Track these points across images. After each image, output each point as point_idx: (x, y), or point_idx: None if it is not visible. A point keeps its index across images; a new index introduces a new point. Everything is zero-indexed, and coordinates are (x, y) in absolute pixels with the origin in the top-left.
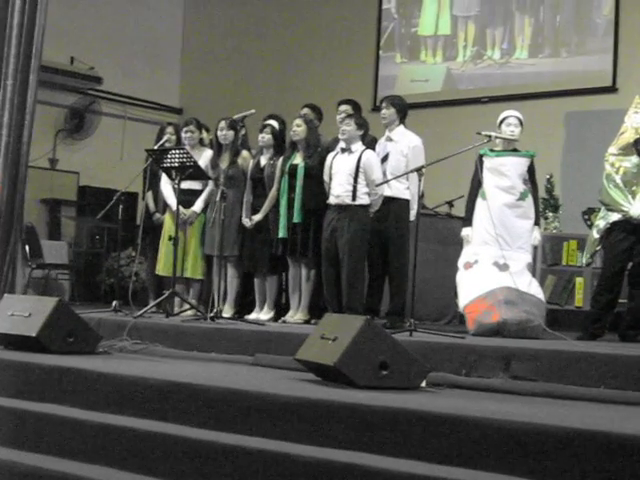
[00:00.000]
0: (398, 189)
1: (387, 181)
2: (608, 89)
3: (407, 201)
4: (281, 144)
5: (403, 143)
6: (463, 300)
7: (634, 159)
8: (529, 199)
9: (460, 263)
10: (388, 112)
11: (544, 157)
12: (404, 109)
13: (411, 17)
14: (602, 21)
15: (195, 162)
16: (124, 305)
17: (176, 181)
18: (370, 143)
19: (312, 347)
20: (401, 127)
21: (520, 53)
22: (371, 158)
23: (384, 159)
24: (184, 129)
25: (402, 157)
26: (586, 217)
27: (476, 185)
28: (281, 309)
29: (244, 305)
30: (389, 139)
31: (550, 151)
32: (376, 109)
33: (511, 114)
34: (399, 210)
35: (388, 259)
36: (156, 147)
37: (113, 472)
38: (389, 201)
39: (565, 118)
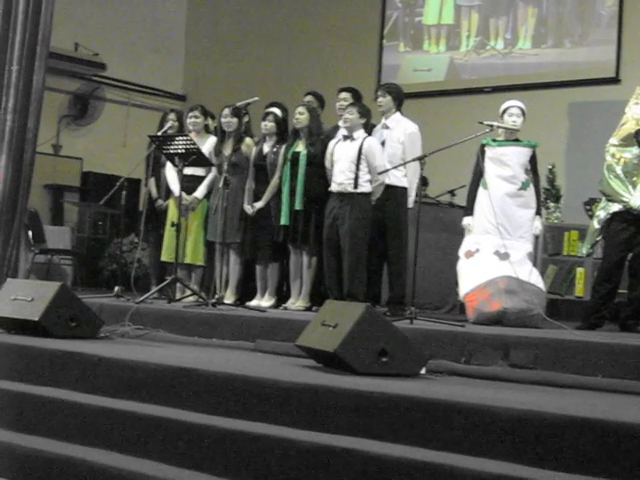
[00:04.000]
0: (396, 177)
1: (388, 170)
2: (611, 80)
3: (405, 189)
4: (284, 132)
5: (399, 130)
6: (464, 289)
7: (635, 150)
8: (530, 189)
9: (461, 252)
10: (384, 100)
11: (546, 147)
12: (400, 96)
13: (415, 6)
14: (606, 12)
15: (198, 149)
16: (126, 291)
17: (179, 167)
18: (368, 131)
19: (313, 334)
20: (397, 114)
21: (523, 43)
22: (372, 145)
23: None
24: (189, 114)
25: (398, 144)
26: (587, 207)
27: (478, 174)
28: (282, 296)
29: (246, 292)
30: (385, 126)
31: (552, 141)
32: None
33: (513, 104)
34: (396, 198)
35: (386, 247)
36: (159, 134)
37: (113, 455)
38: (386, 189)
39: (568, 109)
